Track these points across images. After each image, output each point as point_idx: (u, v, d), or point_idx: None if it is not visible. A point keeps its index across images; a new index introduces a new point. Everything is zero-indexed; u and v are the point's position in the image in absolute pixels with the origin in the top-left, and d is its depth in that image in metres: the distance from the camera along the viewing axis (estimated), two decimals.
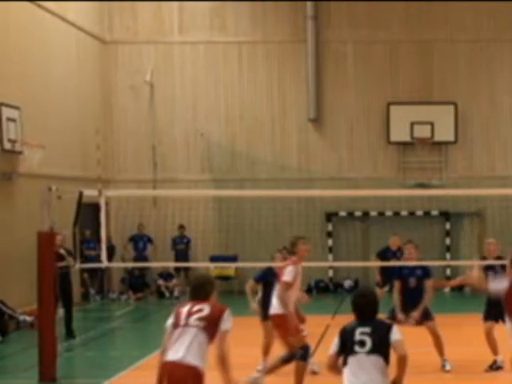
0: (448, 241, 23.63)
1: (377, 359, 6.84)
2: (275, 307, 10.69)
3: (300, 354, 10.29)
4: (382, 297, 15.44)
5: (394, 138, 23.67)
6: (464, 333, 15.00)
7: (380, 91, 23.88)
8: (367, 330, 6.93)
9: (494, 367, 11.79)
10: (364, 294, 7.21)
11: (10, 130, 17.42)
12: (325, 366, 7.13)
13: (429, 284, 12.14)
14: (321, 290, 23.54)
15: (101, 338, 16.13)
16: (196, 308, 6.97)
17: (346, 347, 6.92)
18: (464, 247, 23.66)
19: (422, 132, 23.43)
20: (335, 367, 7.00)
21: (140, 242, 23.16)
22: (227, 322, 6.96)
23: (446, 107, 23.47)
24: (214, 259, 22.92)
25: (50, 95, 19.83)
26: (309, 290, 23.49)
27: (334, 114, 24.02)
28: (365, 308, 7.05)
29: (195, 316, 6.92)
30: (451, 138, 23.57)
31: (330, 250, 23.53)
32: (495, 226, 23.43)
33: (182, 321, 6.92)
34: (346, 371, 6.88)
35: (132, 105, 23.82)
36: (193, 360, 6.79)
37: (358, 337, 6.91)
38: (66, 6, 20.76)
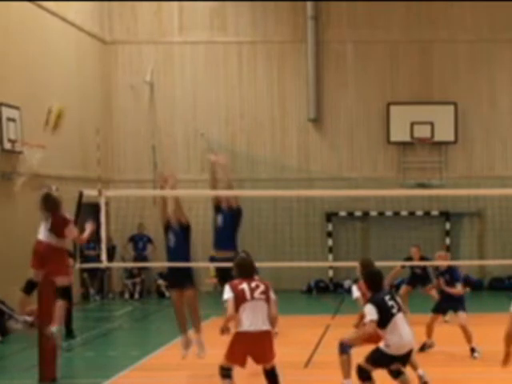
0: (448, 241, 23.62)
1: (403, 314, 9.24)
2: None
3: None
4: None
5: (393, 137, 23.67)
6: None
7: (380, 91, 23.89)
8: (389, 296, 9.29)
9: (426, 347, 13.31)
10: (379, 270, 9.72)
11: (9, 129, 17.42)
12: (367, 332, 9.32)
13: None
14: (321, 289, 23.55)
15: (101, 337, 16.12)
16: (253, 285, 9.06)
17: (386, 313, 9.06)
18: (464, 247, 23.68)
19: (422, 132, 23.44)
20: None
21: (140, 242, 23.17)
22: (272, 292, 9.21)
23: (446, 107, 23.47)
24: (213, 259, 22.88)
25: (50, 95, 19.82)
26: (309, 290, 23.56)
27: (334, 114, 24.03)
28: (382, 280, 9.51)
29: (257, 291, 9.02)
30: (451, 137, 23.57)
31: (330, 249, 23.54)
32: (495, 226, 23.46)
33: (249, 296, 8.96)
34: (389, 332, 9.03)
35: (132, 105, 23.82)
36: (266, 326, 9.00)
37: (389, 302, 9.16)
38: (66, 6, 20.76)
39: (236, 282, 9.17)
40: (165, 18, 23.76)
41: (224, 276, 12.58)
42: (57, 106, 11.87)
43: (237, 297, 9.01)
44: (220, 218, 12.72)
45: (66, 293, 11.44)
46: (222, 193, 13.24)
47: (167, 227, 12.45)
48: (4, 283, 16.87)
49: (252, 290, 9.03)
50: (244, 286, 9.05)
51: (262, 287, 9.11)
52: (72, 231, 11.24)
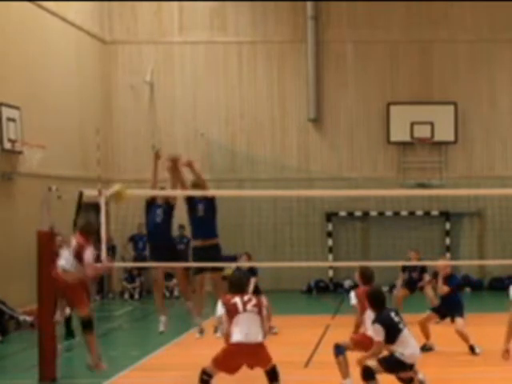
0: (448, 241, 23.63)
1: (407, 328, 9.70)
2: None
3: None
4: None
5: (393, 137, 23.68)
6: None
7: (380, 91, 23.89)
8: (394, 312, 9.73)
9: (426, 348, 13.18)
10: (380, 289, 10.09)
11: (9, 129, 17.42)
12: (375, 353, 9.50)
13: None
14: (321, 289, 23.55)
15: (101, 337, 16.08)
16: (246, 298, 9.30)
17: (393, 330, 9.44)
18: (464, 247, 23.68)
19: (422, 132, 23.44)
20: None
21: (140, 242, 23.13)
22: (265, 308, 9.41)
23: (446, 107, 23.47)
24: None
25: (50, 95, 19.82)
26: (309, 290, 23.56)
27: (334, 114, 24.03)
28: (385, 298, 9.87)
29: (250, 304, 9.23)
30: (451, 137, 23.57)
31: (330, 249, 23.53)
32: (495, 226, 23.46)
33: (241, 308, 9.18)
34: (398, 347, 9.40)
35: (132, 105, 23.81)
36: (259, 337, 9.16)
37: (395, 318, 9.57)
38: (66, 6, 20.76)
39: (228, 296, 9.44)
40: (165, 18, 23.76)
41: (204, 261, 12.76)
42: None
43: (229, 311, 9.25)
44: (201, 208, 12.84)
45: (89, 322, 11.56)
46: (223, 192, 13.29)
47: (151, 203, 12.58)
48: (4, 283, 16.88)
49: (244, 303, 9.27)
50: (236, 299, 9.30)
51: (254, 301, 9.36)
52: (90, 256, 11.16)
